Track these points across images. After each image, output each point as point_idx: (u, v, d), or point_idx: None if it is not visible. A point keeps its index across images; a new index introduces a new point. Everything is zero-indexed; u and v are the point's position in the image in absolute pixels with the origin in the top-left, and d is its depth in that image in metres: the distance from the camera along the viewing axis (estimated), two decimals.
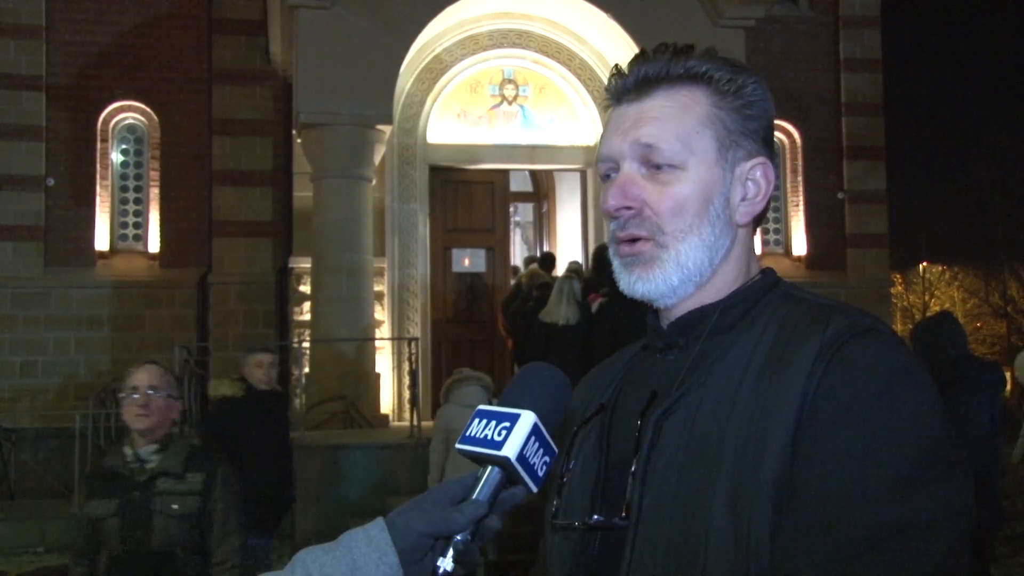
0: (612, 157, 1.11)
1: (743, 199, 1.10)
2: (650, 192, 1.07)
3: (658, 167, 1.07)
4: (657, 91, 1.09)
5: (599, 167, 1.14)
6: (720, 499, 0.94)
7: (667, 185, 1.07)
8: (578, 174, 11.77)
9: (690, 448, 0.99)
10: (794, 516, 0.89)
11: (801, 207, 13.36)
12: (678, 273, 1.07)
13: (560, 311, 6.73)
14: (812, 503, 0.89)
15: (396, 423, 10.31)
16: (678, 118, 1.07)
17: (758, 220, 1.13)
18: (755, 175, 1.11)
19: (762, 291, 1.09)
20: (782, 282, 1.12)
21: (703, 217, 1.07)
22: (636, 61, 1.12)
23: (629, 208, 1.08)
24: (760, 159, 1.11)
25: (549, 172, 12.53)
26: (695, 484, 0.97)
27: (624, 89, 1.12)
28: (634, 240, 1.09)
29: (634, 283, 1.09)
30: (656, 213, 1.07)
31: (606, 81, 1.15)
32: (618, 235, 1.10)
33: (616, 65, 1.15)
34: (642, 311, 1.17)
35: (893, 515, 0.86)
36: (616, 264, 1.12)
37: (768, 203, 1.13)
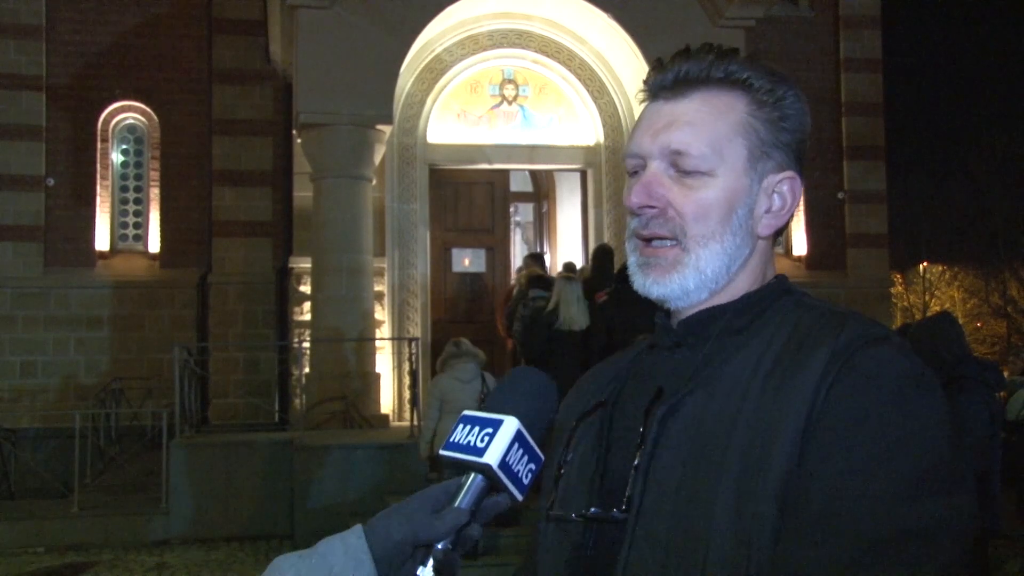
0: (640, 155, 1.10)
1: (767, 211, 1.09)
2: (675, 194, 1.07)
3: (686, 172, 1.06)
4: (695, 92, 1.08)
5: (627, 162, 1.12)
6: (724, 498, 0.94)
7: (693, 190, 1.06)
8: (578, 174, 11.76)
9: (695, 446, 0.99)
10: (799, 519, 0.89)
11: (801, 207, 13.34)
12: (695, 278, 1.07)
13: (582, 316, 6.77)
14: (817, 507, 0.89)
15: (396, 423, 10.31)
16: (712, 124, 1.06)
17: (779, 233, 1.12)
18: (782, 189, 1.09)
19: (774, 296, 1.09)
20: (795, 289, 1.12)
21: (726, 225, 1.06)
22: (678, 58, 1.10)
23: (652, 207, 1.07)
24: (789, 173, 1.09)
25: (549, 172, 12.53)
26: (699, 482, 0.97)
27: (661, 86, 1.10)
28: (656, 239, 1.08)
29: (649, 285, 1.09)
30: (680, 215, 1.06)
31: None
32: (640, 232, 1.09)
33: (658, 59, 1.13)
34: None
35: (898, 522, 0.86)
36: (632, 262, 1.12)
37: (791, 217, 1.12)
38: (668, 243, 1.07)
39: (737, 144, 1.06)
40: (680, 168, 1.06)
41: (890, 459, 0.88)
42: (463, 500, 0.90)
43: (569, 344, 6.68)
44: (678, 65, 1.09)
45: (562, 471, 1.13)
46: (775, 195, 1.09)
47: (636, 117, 1.17)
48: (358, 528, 0.89)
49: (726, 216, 1.06)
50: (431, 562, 0.87)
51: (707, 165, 1.05)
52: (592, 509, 1.06)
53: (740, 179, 1.07)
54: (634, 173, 1.11)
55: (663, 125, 1.08)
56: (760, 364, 1.00)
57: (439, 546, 0.88)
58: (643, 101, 1.14)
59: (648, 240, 1.09)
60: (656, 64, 1.12)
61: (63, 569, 7.74)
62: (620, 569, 1.01)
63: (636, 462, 1.02)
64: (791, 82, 1.10)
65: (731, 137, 1.06)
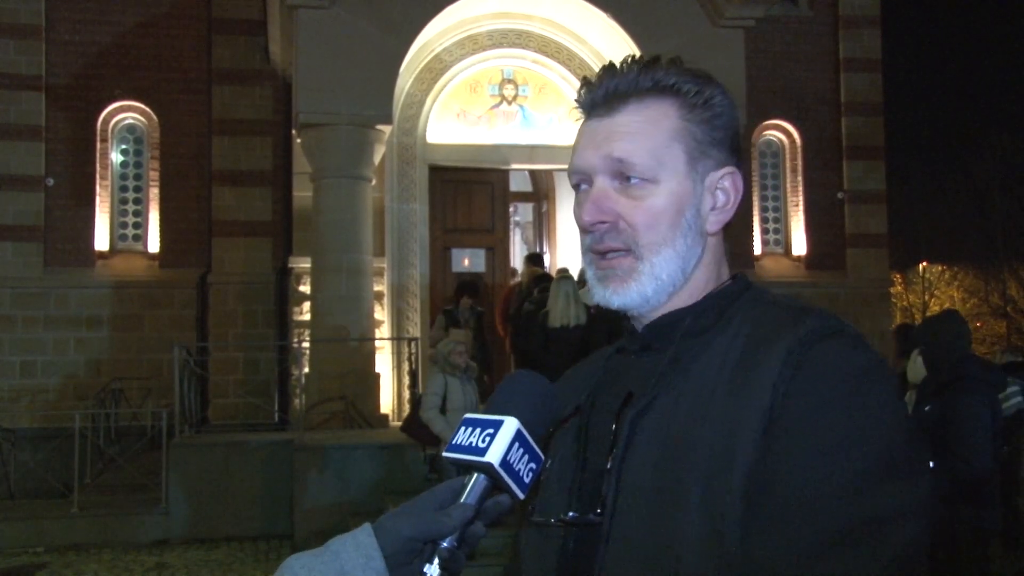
0: (584, 171, 1.12)
1: (713, 208, 1.12)
2: (624, 205, 1.09)
3: (630, 180, 1.09)
4: (627, 105, 1.10)
5: (571, 179, 1.16)
6: (693, 496, 0.96)
7: (640, 200, 1.09)
8: None
9: (665, 447, 1.01)
10: (763, 511, 0.92)
11: (801, 207, 13.35)
12: (653, 284, 1.09)
13: (570, 313, 6.76)
14: (780, 499, 0.92)
15: (396, 423, 10.30)
16: (649, 133, 1.09)
17: (728, 227, 1.15)
18: (724, 184, 1.13)
19: (734, 295, 1.12)
20: (753, 286, 1.15)
21: (676, 229, 1.09)
22: (604, 75, 1.13)
23: (604, 222, 1.10)
24: (728, 168, 1.13)
25: (549, 172, 12.53)
26: (669, 482, 0.99)
27: (593, 103, 1.13)
28: (610, 252, 1.11)
29: (609, 296, 1.11)
30: (631, 226, 1.09)
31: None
32: (595, 248, 1.12)
33: (585, 78, 1.16)
34: None
35: (856, 510, 0.89)
36: (590, 276, 1.14)
37: (738, 210, 1.15)
38: (621, 254, 1.10)
39: (675, 149, 1.10)
40: (624, 179, 1.09)
41: (847, 451, 0.92)
42: (467, 498, 0.94)
43: (564, 343, 6.68)
44: (607, 81, 1.12)
45: (542, 477, 1.14)
46: (718, 191, 1.12)
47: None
48: (367, 526, 0.91)
49: (675, 220, 1.09)
50: (437, 560, 0.90)
51: (650, 172, 1.08)
52: (571, 513, 1.09)
53: (683, 182, 1.10)
54: (577, 188, 1.15)
55: (602, 138, 1.10)
56: (724, 363, 1.03)
57: (444, 543, 0.90)
58: (578, 120, 1.16)
59: (603, 254, 1.11)
60: (584, 82, 1.15)
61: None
62: (597, 571, 1.03)
63: (608, 465, 1.05)
64: (715, 81, 1.14)
65: (668, 143, 1.09)
